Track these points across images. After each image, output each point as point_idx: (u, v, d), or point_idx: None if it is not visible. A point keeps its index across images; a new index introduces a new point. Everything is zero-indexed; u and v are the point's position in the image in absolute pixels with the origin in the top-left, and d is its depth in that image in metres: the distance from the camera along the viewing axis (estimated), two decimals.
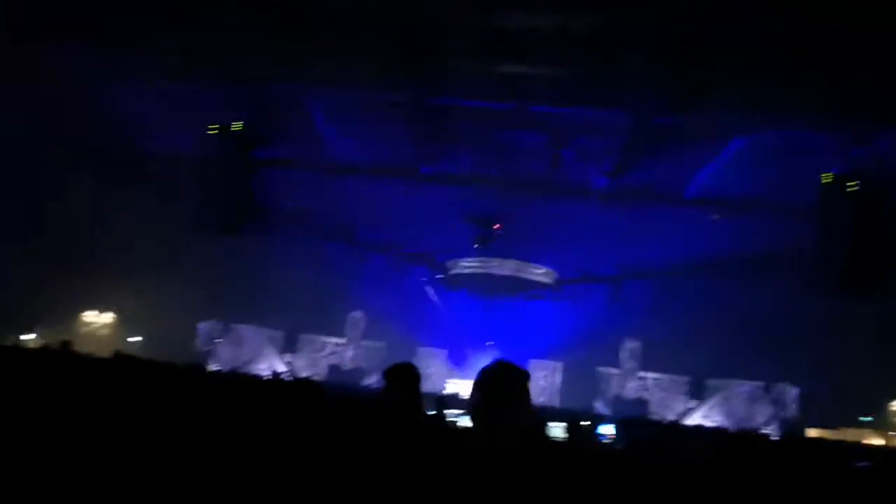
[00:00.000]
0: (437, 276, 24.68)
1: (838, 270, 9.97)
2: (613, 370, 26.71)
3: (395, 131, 15.62)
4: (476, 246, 20.61)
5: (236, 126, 15.50)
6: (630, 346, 26.27)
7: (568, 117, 15.03)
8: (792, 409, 24.25)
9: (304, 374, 25.70)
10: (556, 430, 7.75)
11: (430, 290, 25.71)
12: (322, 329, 26.96)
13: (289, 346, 26.80)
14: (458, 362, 26.82)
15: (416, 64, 12.71)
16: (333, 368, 25.96)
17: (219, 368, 17.69)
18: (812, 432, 20.62)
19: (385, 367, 3.55)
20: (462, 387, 24.70)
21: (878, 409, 23.38)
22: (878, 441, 21.52)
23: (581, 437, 7.94)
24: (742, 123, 14.36)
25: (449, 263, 23.08)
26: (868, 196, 9.89)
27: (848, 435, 22.20)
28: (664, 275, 22.38)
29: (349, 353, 27.33)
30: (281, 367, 25.54)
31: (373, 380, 25.38)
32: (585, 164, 16.76)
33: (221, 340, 26.30)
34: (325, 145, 16.57)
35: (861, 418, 22.87)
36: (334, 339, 27.53)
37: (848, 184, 9.88)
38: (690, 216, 17.73)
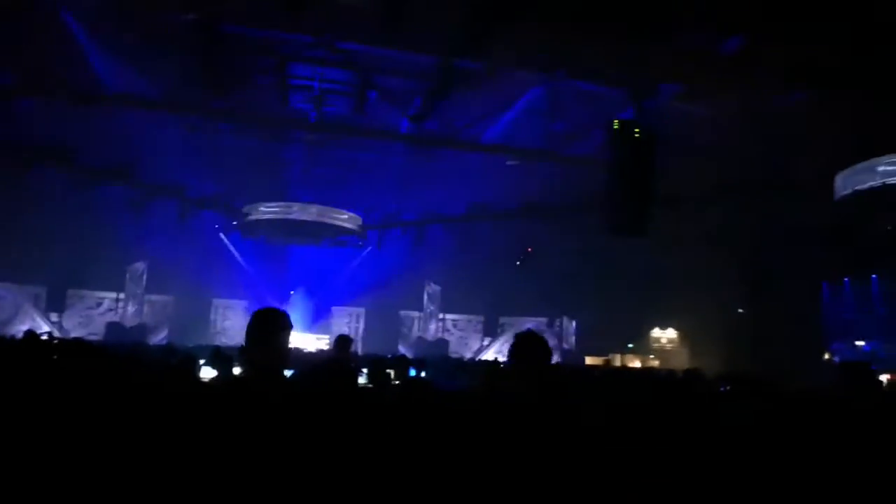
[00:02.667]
0: (233, 223, 22.97)
1: (623, 213, 10.89)
2: (415, 313, 27.36)
3: (182, 62, 13.81)
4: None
5: None
6: (430, 289, 27.01)
7: (374, 56, 14.39)
8: (572, 341, 26.77)
9: (75, 333, 22.78)
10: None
11: (224, 238, 23.93)
12: (96, 284, 23.93)
13: (55, 304, 23.46)
14: None
15: None
16: (113, 326, 23.27)
17: None
18: (589, 359, 22.84)
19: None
20: None
21: (640, 338, 26.57)
22: (637, 363, 24.56)
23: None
24: (537, 72, 14.85)
25: (246, 208, 21.48)
26: (649, 144, 10.86)
27: (616, 360, 25.12)
28: (463, 220, 23.05)
29: (131, 308, 24.73)
30: (45, 328, 22.37)
31: (160, 336, 23.34)
32: (390, 106, 16.33)
33: None
34: (92, 73, 14.16)
35: (629, 345, 25.86)
36: (112, 294, 24.68)
37: (635, 130, 10.72)
38: (489, 162, 18.21)
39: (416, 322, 27.46)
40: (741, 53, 11.90)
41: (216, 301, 25.63)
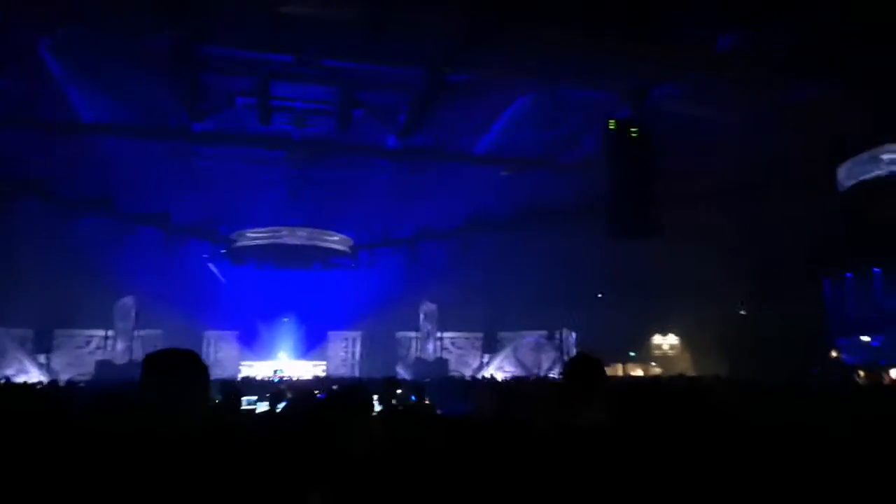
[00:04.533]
0: (221, 251, 22.45)
1: (625, 215, 10.54)
2: (412, 333, 26.85)
3: (159, 86, 13.41)
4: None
5: None
6: (427, 308, 26.54)
7: (357, 72, 14.04)
8: (573, 353, 26.27)
9: (65, 375, 22.09)
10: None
11: (212, 267, 23.38)
12: (84, 322, 23.28)
13: (42, 345, 22.76)
14: (250, 343, 25.03)
15: (178, 2, 10.81)
16: (103, 365, 22.58)
17: None
18: None
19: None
20: (258, 369, 23.06)
21: (641, 345, 26.22)
22: (639, 372, 24.18)
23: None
24: (525, 81, 14.58)
25: (233, 235, 20.99)
26: (647, 142, 10.55)
27: (619, 370, 24.72)
28: (456, 234, 22.68)
29: (120, 345, 24.06)
30: (34, 370, 21.72)
31: None
32: (376, 123, 15.98)
33: None
34: (69, 102, 13.72)
35: (631, 353, 25.47)
36: (100, 332, 24.03)
37: (630, 129, 10.41)
38: (480, 174, 17.87)
39: (413, 342, 26.94)
40: (736, 50, 11.69)
41: (208, 333, 25.00)
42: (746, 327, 20.46)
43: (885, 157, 12.02)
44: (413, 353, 26.67)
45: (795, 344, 17.67)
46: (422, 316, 26.63)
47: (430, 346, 26.73)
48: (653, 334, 26.30)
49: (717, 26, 10.96)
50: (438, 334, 26.84)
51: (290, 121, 16.04)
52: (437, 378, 18.52)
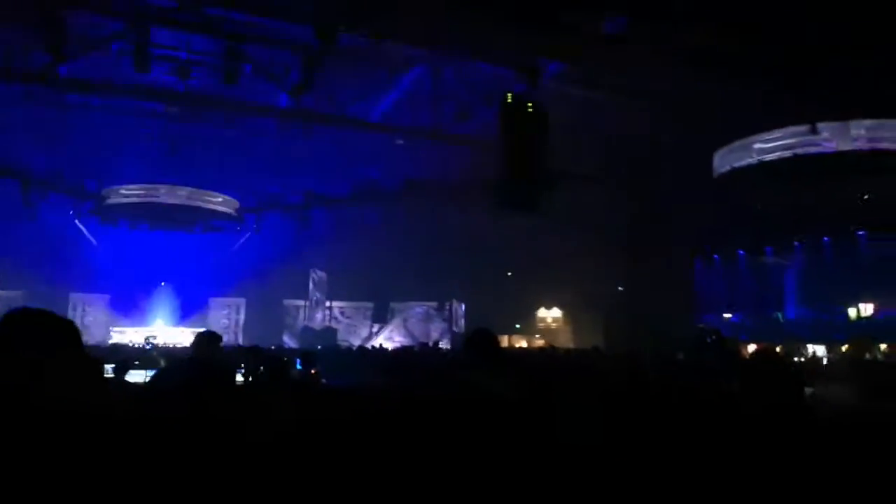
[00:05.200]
0: (90, 208, 20.77)
1: (514, 190, 10.67)
2: (300, 302, 26.28)
3: (20, 23, 11.99)
4: None
5: None
6: (316, 276, 26.04)
7: (243, 24, 13.20)
8: (461, 324, 26.71)
9: None
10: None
11: (80, 225, 21.62)
12: None
13: None
14: (123, 308, 23.56)
15: None
16: None
17: None
18: None
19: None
20: (132, 335, 21.74)
21: (527, 318, 27.05)
22: (524, 343, 24.96)
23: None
24: (417, 50, 14.36)
25: (104, 192, 19.43)
26: (541, 119, 10.67)
27: (504, 340, 25.41)
28: (347, 202, 22.24)
29: None
30: None
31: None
32: (266, 80, 15.18)
33: None
34: None
35: (516, 325, 26.21)
36: None
37: (527, 104, 10.49)
38: (376, 141, 17.50)
39: (301, 311, 26.38)
40: (626, 33, 12.00)
41: (74, 296, 23.31)
42: (623, 303, 21.54)
43: (757, 146, 12.87)
44: (300, 321, 26.15)
45: (667, 320, 18.78)
46: (311, 284, 26.12)
47: (319, 315, 26.31)
48: (538, 308, 27.17)
49: (608, 8, 11.20)
50: (328, 303, 26.45)
51: (171, 71, 14.91)
52: (325, 348, 18.23)
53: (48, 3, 11.44)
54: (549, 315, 27.25)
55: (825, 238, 18.64)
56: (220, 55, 14.39)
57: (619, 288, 22.91)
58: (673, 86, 12.23)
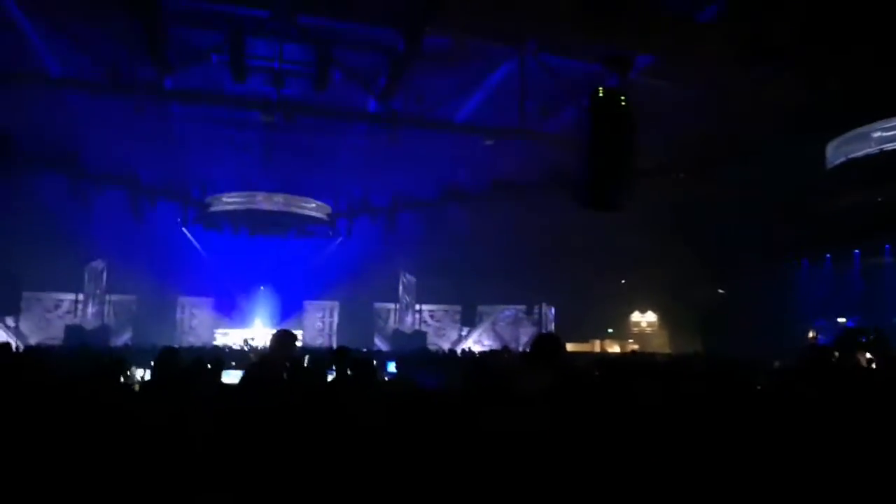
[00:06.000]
0: (194, 215, 21.94)
1: (602, 188, 10.27)
2: (390, 305, 26.64)
3: (127, 36, 12.81)
4: None
5: None
6: (406, 279, 26.33)
7: (332, 30, 13.55)
8: (551, 328, 26.23)
9: (33, 338, 21.66)
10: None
11: (186, 231, 22.88)
12: (53, 284, 22.78)
13: (9, 308, 22.25)
14: (226, 310, 24.71)
15: None
16: (73, 329, 22.16)
17: None
18: (568, 345, 22.34)
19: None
20: (234, 336, 22.75)
21: (620, 323, 26.24)
22: (616, 348, 24.17)
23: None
24: (504, 47, 14.23)
25: (207, 199, 20.46)
26: (631, 114, 10.25)
27: (596, 346, 24.71)
28: (434, 204, 22.35)
29: (91, 309, 23.62)
30: (0, 333, 21.25)
31: (124, 338, 22.34)
32: (355, 87, 15.50)
33: None
34: (30, 53, 13.09)
35: (609, 330, 25.47)
36: (70, 296, 23.56)
37: (620, 98, 10.10)
38: (459, 143, 17.49)
39: (391, 314, 26.75)
40: (717, 23, 11.47)
41: (182, 299, 24.65)
42: (723, 307, 20.45)
43: (876, 134, 11.84)
44: (391, 324, 26.50)
45: (771, 324, 17.66)
46: (400, 287, 26.43)
47: (409, 318, 26.58)
48: (632, 311, 26.32)
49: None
50: (417, 306, 26.67)
51: (266, 81, 15.52)
52: (414, 350, 18.38)
53: (152, 17, 12.13)
54: (644, 319, 26.32)
55: None
56: (311, 63, 14.83)
57: (720, 291, 21.80)
58: (761, 78, 11.57)
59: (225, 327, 24.15)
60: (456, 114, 16.47)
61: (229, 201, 20.76)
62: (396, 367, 11.69)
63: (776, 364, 9.86)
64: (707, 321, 19.32)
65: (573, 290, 22.93)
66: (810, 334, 20.10)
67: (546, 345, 3.34)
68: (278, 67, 15.07)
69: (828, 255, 19.86)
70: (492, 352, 18.44)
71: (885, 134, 12.09)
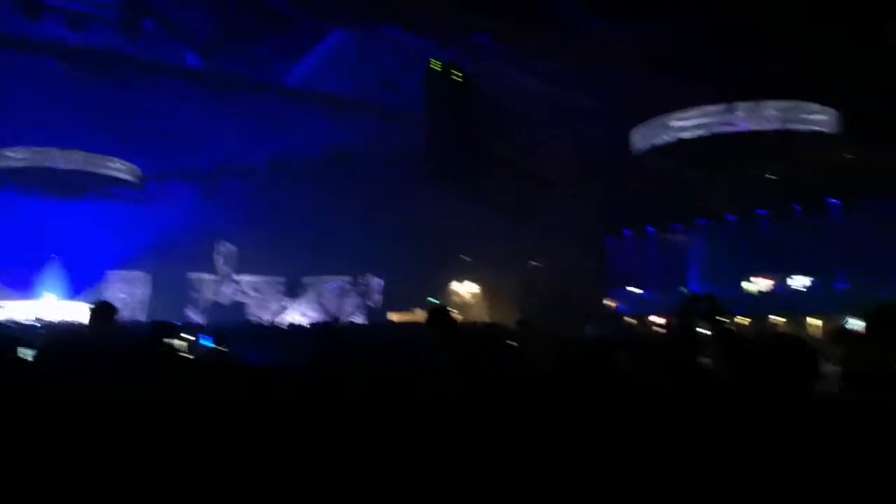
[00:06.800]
0: None
1: (442, 162, 10.37)
2: (207, 276, 25.09)
3: None
4: None
5: None
6: (225, 248, 24.93)
7: None
8: (376, 298, 26.43)
9: None
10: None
11: None
12: None
13: None
14: (11, 282, 21.67)
15: None
16: None
17: None
18: (393, 315, 22.75)
19: None
20: (20, 310, 19.97)
21: (442, 291, 27.03)
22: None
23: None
24: (339, 14, 13.80)
25: None
26: (469, 88, 10.40)
27: (418, 315, 25.32)
28: (259, 172, 21.28)
29: None
30: None
31: None
32: (172, 40, 14.14)
33: None
34: None
35: (430, 300, 26.14)
36: None
37: (453, 72, 10.17)
38: (294, 109, 16.75)
39: (208, 285, 25.21)
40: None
41: None
42: (537, 278, 21.93)
43: (675, 124, 13.22)
44: (207, 296, 25.00)
45: (578, 294, 19.27)
46: (219, 257, 25.01)
47: (227, 290, 25.27)
48: (451, 282, 27.20)
49: None
50: (236, 277, 25.42)
51: (64, 24, 13.56)
52: (234, 323, 17.46)
53: None
54: (465, 289, 27.34)
55: (729, 216, 19.66)
56: (116, 6, 13.24)
57: (533, 263, 23.30)
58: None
59: (8, 299, 21.16)
60: (288, 78, 15.75)
61: (14, 158, 18.01)
62: (215, 343, 10.95)
63: (588, 329, 10.77)
64: (524, 291, 20.60)
65: (397, 262, 23.18)
66: (608, 303, 22.37)
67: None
68: (77, 10, 13.32)
69: (627, 232, 22.08)
70: (325, 323, 18.07)
71: (681, 123, 13.55)
